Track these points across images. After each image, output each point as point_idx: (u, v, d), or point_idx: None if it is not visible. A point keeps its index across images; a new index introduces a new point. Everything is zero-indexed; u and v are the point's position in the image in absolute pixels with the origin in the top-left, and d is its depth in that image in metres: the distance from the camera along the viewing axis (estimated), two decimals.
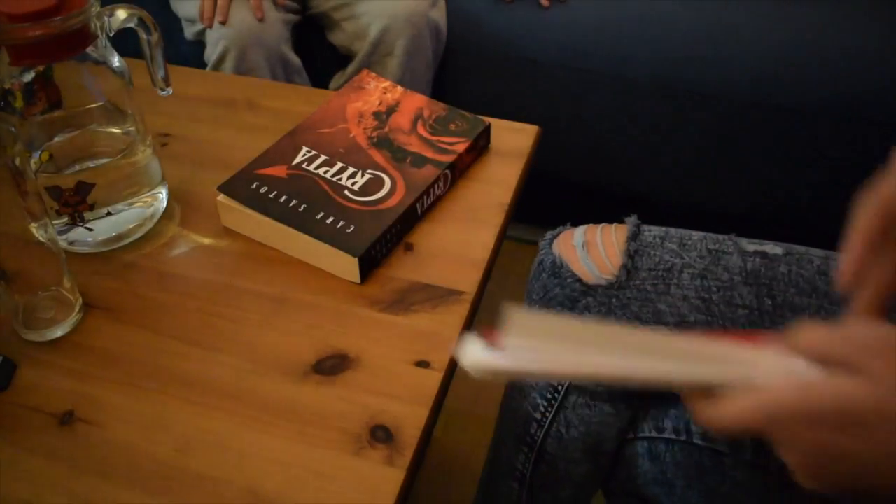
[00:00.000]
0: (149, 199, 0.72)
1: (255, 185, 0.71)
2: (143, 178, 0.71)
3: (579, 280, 0.63)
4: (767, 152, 1.30)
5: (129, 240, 0.71)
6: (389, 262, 0.68)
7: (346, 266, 0.66)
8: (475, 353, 0.40)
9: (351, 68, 1.34)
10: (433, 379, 0.59)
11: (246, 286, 0.67)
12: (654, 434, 0.63)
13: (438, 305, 0.64)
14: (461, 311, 0.64)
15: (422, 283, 0.67)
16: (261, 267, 0.69)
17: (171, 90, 0.75)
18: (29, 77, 0.63)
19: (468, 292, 0.66)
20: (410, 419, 0.56)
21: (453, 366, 0.61)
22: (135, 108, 0.69)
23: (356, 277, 0.66)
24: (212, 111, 0.89)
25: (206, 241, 0.72)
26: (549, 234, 0.69)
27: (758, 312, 0.58)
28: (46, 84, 0.64)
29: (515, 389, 0.68)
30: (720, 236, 0.63)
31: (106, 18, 0.65)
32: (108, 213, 0.69)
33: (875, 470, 0.37)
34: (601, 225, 0.66)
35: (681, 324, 0.60)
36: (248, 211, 0.69)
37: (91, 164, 0.67)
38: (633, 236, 0.63)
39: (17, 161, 0.55)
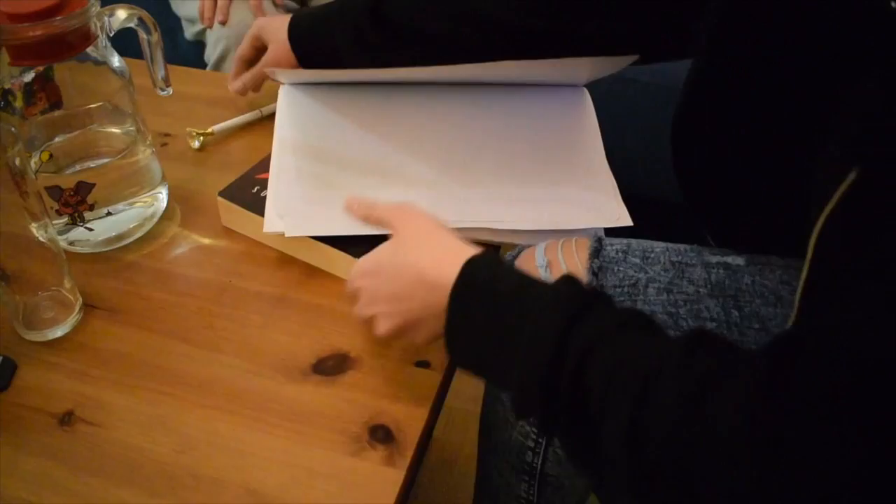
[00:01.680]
0: (149, 199, 0.72)
1: (255, 189, 0.71)
2: (144, 178, 0.71)
3: None
4: None
5: (130, 240, 0.71)
6: None
7: (346, 266, 0.66)
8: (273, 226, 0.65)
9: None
10: (433, 379, 0.59)
11: (246, 286, 0.67)
12: None
13: None
14: None
15: None
16: (261, 267, 0.69)
17: (171, 90, 0.76)
18: (29, 77, 0.63)
19: None
20: (410, 419, 0.56)
21: (453, 365, 0.61)
22: (135, 108, 0.69)
23: None
24: (212, 111, 0.89)
25: (207, 241, 0.72)
26: (508, 255, 0.65)
27: (725, 324, 0.58)
28: (46, 84, 0.64)
29: (499, 418, 0.67)
30: (682, 247, 0.62)
31: (106, 18, 0.65)
32: (109, 213, 0.69)
33: (399, 303, 0.52)
34: (561, 241, 0.63)
35: None
36: (249, 213, 0.69)
37: (91, 164, 0.67)
38: (596, 252, 0.61)
39: (17, 161, 0.55)
